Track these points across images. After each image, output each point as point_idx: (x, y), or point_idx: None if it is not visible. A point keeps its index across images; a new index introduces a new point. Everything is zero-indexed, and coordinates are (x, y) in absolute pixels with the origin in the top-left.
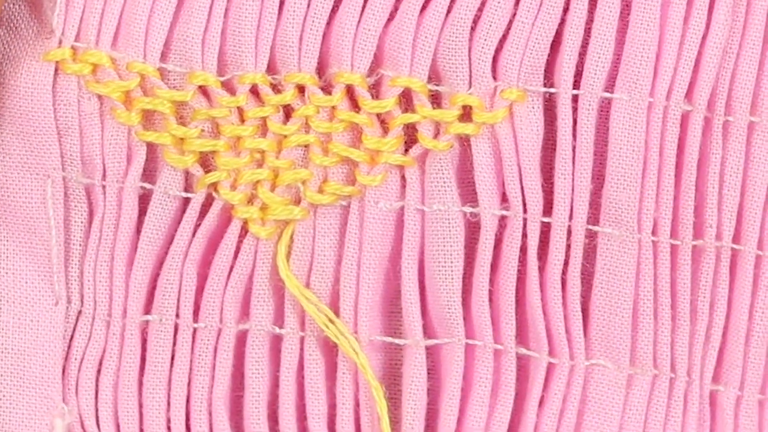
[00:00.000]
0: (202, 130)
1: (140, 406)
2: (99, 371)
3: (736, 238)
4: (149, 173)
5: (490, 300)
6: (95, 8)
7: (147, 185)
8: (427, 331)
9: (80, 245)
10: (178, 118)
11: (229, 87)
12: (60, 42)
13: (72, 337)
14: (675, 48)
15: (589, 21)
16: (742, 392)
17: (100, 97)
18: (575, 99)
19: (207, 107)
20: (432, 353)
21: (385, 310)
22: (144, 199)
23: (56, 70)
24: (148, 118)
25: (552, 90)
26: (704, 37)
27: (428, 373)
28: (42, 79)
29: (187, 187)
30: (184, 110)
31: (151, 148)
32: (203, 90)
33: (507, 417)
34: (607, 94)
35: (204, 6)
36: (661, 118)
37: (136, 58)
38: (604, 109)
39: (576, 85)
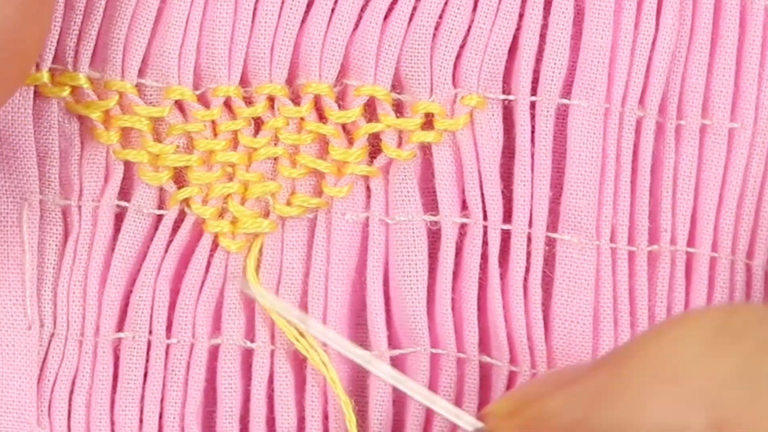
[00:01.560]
0: (177, 146)
1: (113, 424)
2: (72, 391)
3: (691, 242)
4: (124, 191)
5: (453, 308)
6: (72, 30)
7: (123, 203)
8: (392, 341)
9: (54, 267)
10: (154, 134)
11: (203, 101)
12: (37, 66)
13: (45, 359)
14: (627, 54)
15: (544, 27)
16: None
17: (79, 117)
18: (533, 105)
19: (182, 122)
20: (397, 363)
21: (351, 321)
22: (119, 218)
23: (35, 93)
24: (126, 135)
25: (510, 97)
26: (654, 42)
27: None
28: (22, 104)
29: (161, 204)
30: (160, 126)
31: (127, 166)
32: (179, 104)
33: None
34: (564, 101)
35: (180, 20)
36: (617, 124)
37: (114, 76)
38: (562, 115)
39: (534, 91)
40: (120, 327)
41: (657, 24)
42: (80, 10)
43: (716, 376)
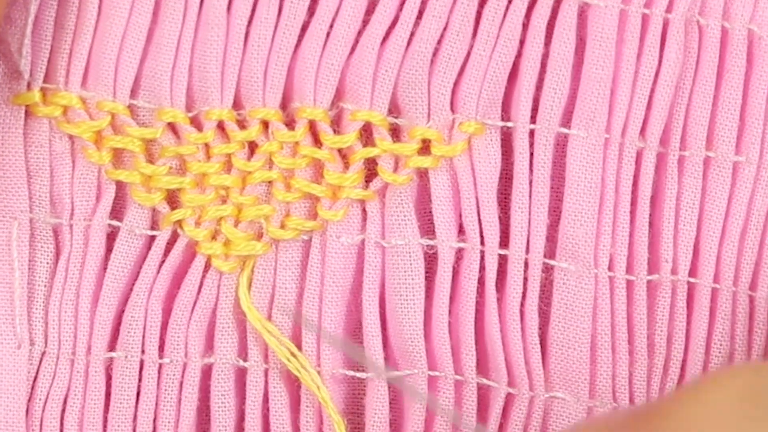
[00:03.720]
0: (170, 167)
1: None
2: (63, 410)
3: (693, 272)
4: (116, 210)
5: (450, 331)
6: (63, 49)
7: (114, 223)
8: (389, 363)
9: (45, 286)
10: (147, 155)
11: (196, 123)
12: (29, 85)
13: (36, 377)
14: (629, 85)
15: (545, 55)
16: None
17: (71, 136)
18: (532, 133)
19: (175, 144)
20: (394, 385)
21: (347, 341)
22: (111, 237)
23: (26, 112)
24: (118, 155)
25: (509, 124)
26: (657, 74)
27: (390, 404)
28: (13, 123)
29: (153, 224)
30: (152, 147)
31: (119, 185)
32: (172, 126)
33: None
34: (564, 130)
35: (172, 42)
36: (617, 155)
37: (105, 96)
38: (562, 143)
39: (533, 119)
40: (112, 346)
41: (660, 56)
42: (70, 29)
43: None
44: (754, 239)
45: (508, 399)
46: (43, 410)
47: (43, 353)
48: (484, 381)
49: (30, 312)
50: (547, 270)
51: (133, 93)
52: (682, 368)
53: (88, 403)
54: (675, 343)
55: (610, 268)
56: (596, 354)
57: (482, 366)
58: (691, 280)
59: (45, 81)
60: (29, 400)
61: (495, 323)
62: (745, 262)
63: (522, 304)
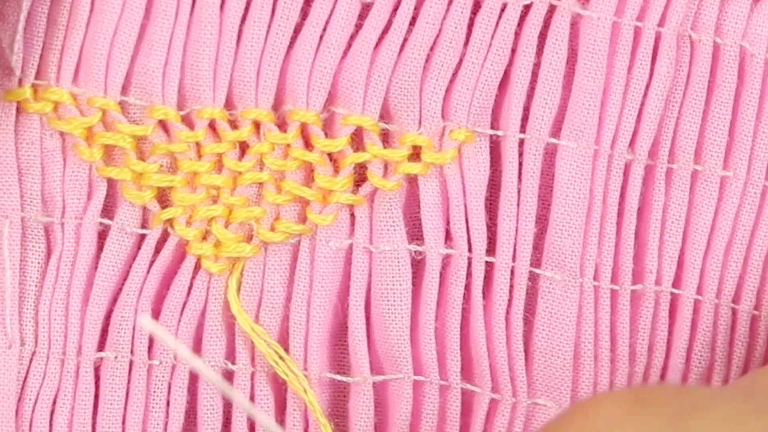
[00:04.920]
0: (161, 165)
1: None
2: (53, 411)
3: (676, 283)
4: (107, 208)
5: (436, 336)
6: (55, 45)
7: (105, 221)
8: (373, 366)
9: (36, 285)
10: (138, 152)
11: (188, 121)
12: (20, 81)
13: (26, 378)
14: (619, 98)
15: (537, 65)
16: None
17: (62, 133)
18: (522, 142)
19: (166, 142)
20: (378, 388)
21: (332, 344)
22: (102, 236)
23: (17, 109)
24: (109, 152)
25: (499, 132)
26: (647, 87)
27: (375, 408)
28: (4, 120)
29: (144, 223)
30: (143, 144)
31: (110, 183)
32: (163, 124)
33: None
34: (553, 140)
35: (164, 39)
36: (605, 166)
37: (96, 92)
38: (551, 153)
39: (523, 128)
40: (102, 346)
41: (651, 69)
42: (63, 25)
43: None
44: (738, 253)
45: (492, 404)
46: (33, 411)
47: (34, 353)
48: (469, 386)
49: (21, 312)
50: (533, 278)
51: (125, 90)
52: (662, 377)
53: (78, 403)
54: (656, 352)
55: (595, 278)
56: (579, 362)
57: (467, 371)
58: (675, 291)
59: (36, 77)
60: (19, 401)
61: (481, 329)
62: (729, 275)
63: (507, 312)
